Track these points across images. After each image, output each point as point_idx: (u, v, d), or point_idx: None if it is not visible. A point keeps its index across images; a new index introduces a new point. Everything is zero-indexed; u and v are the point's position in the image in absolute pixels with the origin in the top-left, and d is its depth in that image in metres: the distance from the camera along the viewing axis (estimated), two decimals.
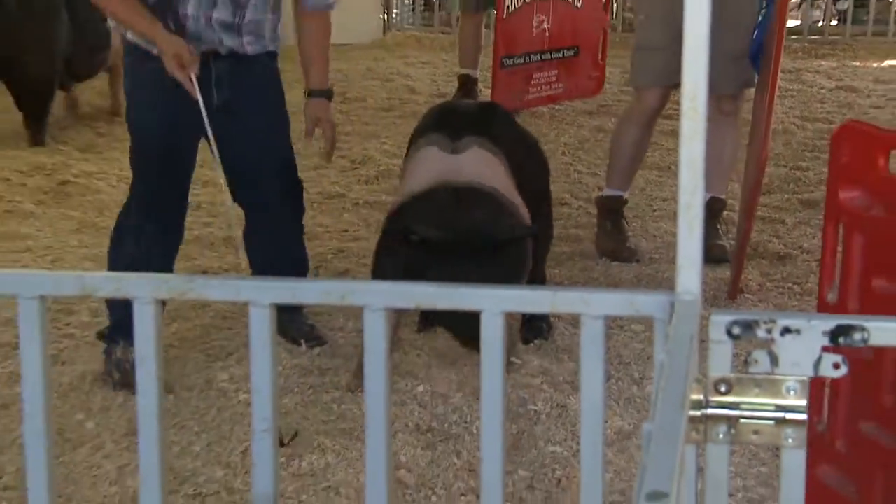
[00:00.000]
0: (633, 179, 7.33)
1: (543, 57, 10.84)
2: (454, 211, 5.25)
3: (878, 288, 3.28)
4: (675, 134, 4.97)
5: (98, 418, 4.83)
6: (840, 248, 3.46)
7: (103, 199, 7.48)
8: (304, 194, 7.89)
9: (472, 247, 4.96)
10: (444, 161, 5.28)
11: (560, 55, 11.00)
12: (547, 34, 10.84)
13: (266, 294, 2.30)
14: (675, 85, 6.16)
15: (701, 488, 2.14)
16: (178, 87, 5.16)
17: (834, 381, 2.22)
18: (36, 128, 10.32)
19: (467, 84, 10.83)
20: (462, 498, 4.27)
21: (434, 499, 4.34)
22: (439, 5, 14.81)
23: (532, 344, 5.69)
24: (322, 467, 4.50)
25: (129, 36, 5.46)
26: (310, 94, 5.67)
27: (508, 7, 10.52)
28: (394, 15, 14.21)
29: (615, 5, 13.98)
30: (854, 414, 3.19)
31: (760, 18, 6.16)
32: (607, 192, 7.07)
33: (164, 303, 2.35)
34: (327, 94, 5.71)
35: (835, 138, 3.48)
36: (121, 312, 4.80)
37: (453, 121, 5.61)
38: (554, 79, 10.99)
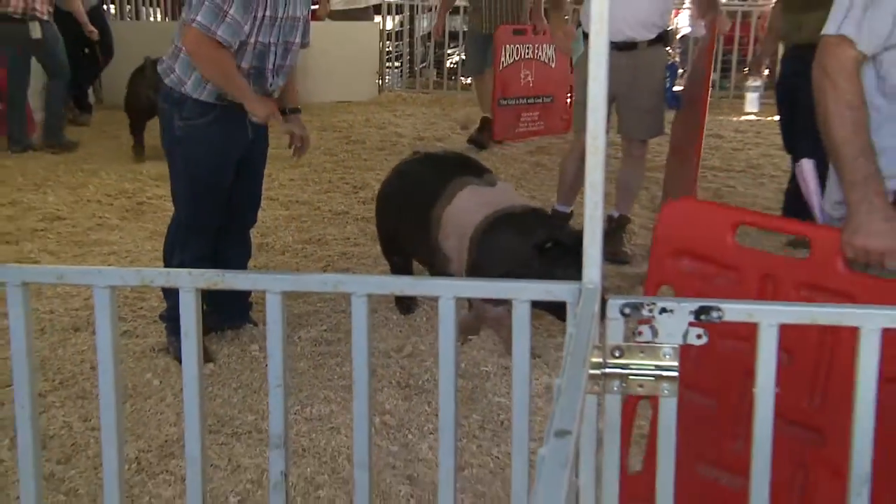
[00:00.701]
0: (577, 197, 7.28)
1: (528, 101, 11.40)
2: (543, 223, 5.09)
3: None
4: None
5: (162, 377, 4.80)
6: None
7: (169, 215, 7.44)
8: (317, 211, 7.95)
9: (576, 246, 4.92)
10: (490, 192, 5.12)
11: (540, 101, 11.58)
12: (531, 84, 11.40)
13: (277, 284, 2.29)
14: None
15: (601, 428, 2.14)
16: (230, 132, 4.90)
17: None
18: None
19: (487, 124, 11.05)
20: (430, 436, 4.26)
21: (409, 436, 4.32)
22: (420, 73, 14.78)
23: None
24: (327, 413, 4.48)
25: (201, 95, 4.78)
26: (291, 111, 5.27)
27: (503, 63, 10.94)
28: (386, 79, 14.20)
29: None
30: (691, 457, 3.06)
31: (668, 84, 6.16)
32: (557, 207, 7.02)
33: (203, 291, 2.31)
34: (300, 111, 5.40)
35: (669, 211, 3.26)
36: (174, 300, 4.70)
37: (469, 165, 5.43)
38: (536, 118, 11.57)
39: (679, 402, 2.11)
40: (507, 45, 10.92)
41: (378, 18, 14.23)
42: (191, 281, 2.30)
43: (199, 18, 4.43)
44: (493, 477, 4.01)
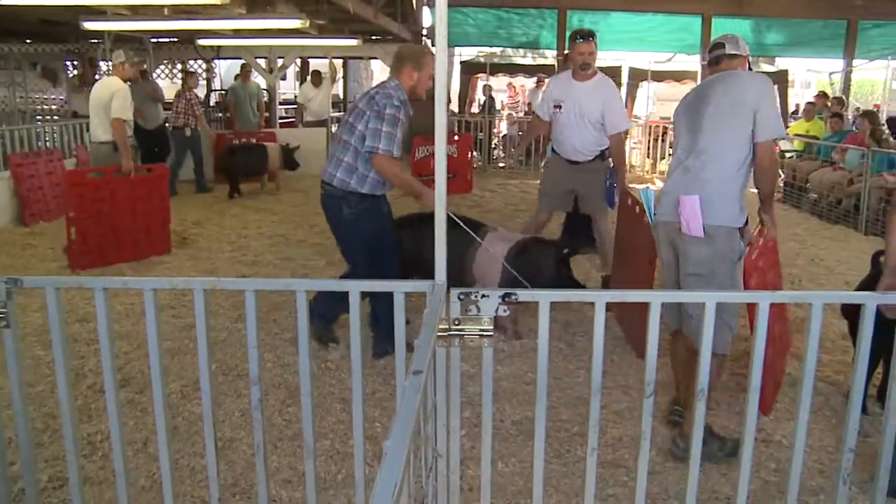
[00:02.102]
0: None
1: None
2: (545, 244, 5.18)
3: None
4: None
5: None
6: None
7: (204, 247, 7.30)
8: (287, 240, 7.78)
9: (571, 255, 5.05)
10: (503, 233, 5.13)
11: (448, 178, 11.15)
12: None
13: (303, 285, 2.23)
14: (553, 210, 6.37)
15: (448, 370, 2.12)
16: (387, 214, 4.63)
17: None
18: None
19: None
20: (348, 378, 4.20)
21: (342, 375, 4.27)
22: None
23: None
24: (294, 362, 4.37)
25: (366, 188, 4.39)
26: None
27: (416, 155, 10.74)
28: None
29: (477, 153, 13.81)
30: None
31: (608, 183, 5.99)
32: None
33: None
34: None
35: None
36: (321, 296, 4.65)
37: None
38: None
39: None
40: (420, 147, 10.68)
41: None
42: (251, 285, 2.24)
43: (382, 147, 4.22)
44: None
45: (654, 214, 3.75)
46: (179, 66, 15.46)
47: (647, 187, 3.74)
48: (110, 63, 12.34)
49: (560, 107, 5.90)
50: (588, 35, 5.73)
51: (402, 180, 4.49)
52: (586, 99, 5.75)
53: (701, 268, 3.42)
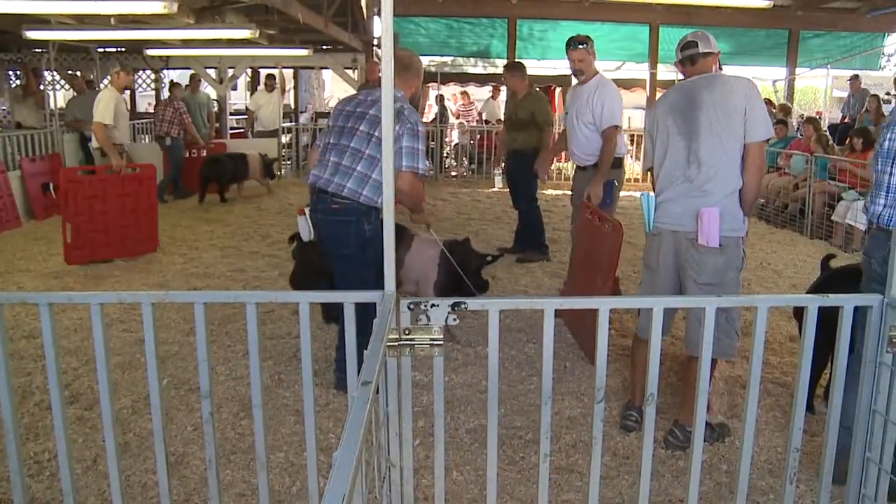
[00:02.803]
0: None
1: None
2: (468, 245, 5.29)
3: None
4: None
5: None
6: None
7: (155, 259, 7.16)
8: (239, 252, 7.71)
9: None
10: (426, 237, 5.06)
11: None
12: None
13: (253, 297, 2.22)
14: None
15: (399, 379, 2.12)
16: None
17: None
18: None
19: None
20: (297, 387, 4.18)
21: (297, 387, 4.23)
22: (303, 168, 14.48)
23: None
24: (246, 374, 4.33)
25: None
26: None
27: None
28: (282, 171, 13.92)
29: (429, 161, 13.85)
30: None
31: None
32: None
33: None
34: None
35: None
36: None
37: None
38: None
39: None
40: None
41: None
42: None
43: (421, 167, 3.96)
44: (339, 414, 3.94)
45: (654, 221, 3.74)
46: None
47: (646, 192, 3.76)
48: (54, 73, 12.23)
49: (567, 113, 5.99)
50: (578, 42, 5.70)
51: (420, 195, 4.22)
52: (583, 102, 5.74)
53: (715, 277, 3.51)
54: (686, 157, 3.56)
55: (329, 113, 5.00)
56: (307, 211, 4.24)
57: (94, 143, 7.78)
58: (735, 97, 3.48)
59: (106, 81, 14.41)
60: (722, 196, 3.49)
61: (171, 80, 13.88)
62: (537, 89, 8.17)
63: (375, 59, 11.19)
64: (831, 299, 2.46)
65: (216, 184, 10.90)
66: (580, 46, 5.70)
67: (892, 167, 3.16)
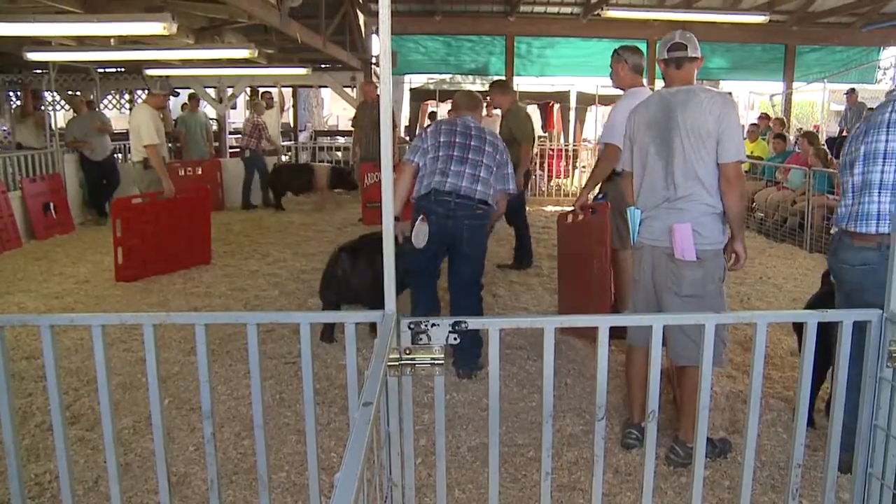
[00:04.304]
0: None
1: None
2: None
3: None
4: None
5: None
6: None
7: (155, 279, 7.16)
8: (240, 271, 7.70)
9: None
10: None
11: None
12: None
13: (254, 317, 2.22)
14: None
15: (400, 399, 2.12)
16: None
17: None
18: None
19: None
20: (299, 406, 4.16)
21: (298, 406, 4.22)
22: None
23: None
24: (248, 394, 4.32)
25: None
26: None
27: (366, 183, 10.86)
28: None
29: None
30: None
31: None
32: None
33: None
34: None
35: None
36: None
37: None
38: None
39: None
40: (368, 174, 10.73)
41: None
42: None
43: (512, 188, 4.97)
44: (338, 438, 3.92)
45: (637, 236, 3.78)
46: (127, 97, 15.30)
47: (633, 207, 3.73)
48: (54, 93, 12.29)
49: None
50: (613, 53, 5.30)
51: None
52: None
53: (695, 289, 3.53)
54: (664, 177, 3.61)
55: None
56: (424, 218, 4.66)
57: (134, 157, 7.91)
58: (709, 122, 3.49)
59: (106, 101, 14.54)
60: (698, 214, 3.53)
61: (253, 99, 14.28)
62: (519, 105, 8.22)
63: (371, 81, 11.26)
64: (830, 314, 2.46)
65: (284, 192, 12.13)
66: (615, 56, 5.29)
67: (851, 175, 3.44)
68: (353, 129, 11.51)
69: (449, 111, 5.52)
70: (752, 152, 12.31)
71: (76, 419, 4.12)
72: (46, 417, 4.03)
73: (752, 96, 19.61)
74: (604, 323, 2.31)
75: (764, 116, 14.10)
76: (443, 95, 16.40)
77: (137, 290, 6.99)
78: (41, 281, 7.35)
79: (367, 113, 10.79)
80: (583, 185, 5.64)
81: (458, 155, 4.68)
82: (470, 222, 4.66)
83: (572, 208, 5.38)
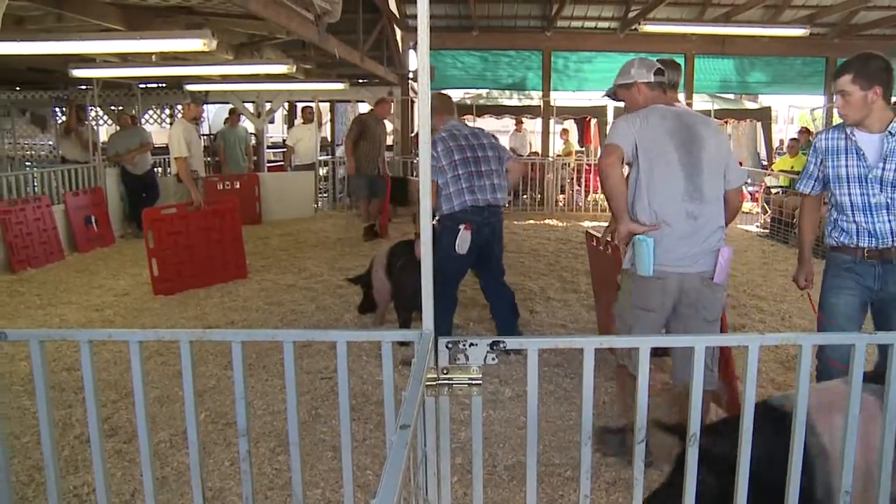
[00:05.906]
0: None
1: None
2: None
3: None
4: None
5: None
6: None
7: (192, 293, 7.22)
8: (276, 285, 7.74)
9: None
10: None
11: None
12: None
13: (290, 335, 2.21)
14: None
15: (437, 418, 2.10)
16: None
17: None
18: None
19: (371, 228, 10.55)
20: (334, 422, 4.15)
21: (334, 421, 4.20)
22: (338, 200, 14.54)
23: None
24: (283, 409, 4.31)
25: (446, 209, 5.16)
26: None
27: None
28: (319, 204, 14.04)
29: None
30: None
31: None
32: None
33: None
34: None
35: None
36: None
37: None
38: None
39: None
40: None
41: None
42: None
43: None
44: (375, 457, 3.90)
45: (655, 264, 3.46)
46: (168, 112, 15.53)
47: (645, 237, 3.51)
48: (98, 109, 12.53)
49: None
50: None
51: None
52: None
53: (718, 312, 3.58)
54: (685, 190, 3.45)
55: None
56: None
57: (172, 170, 8.31)
58: (722, 147, 3.59)
59: (148, 115, 14.79)
60: (722, 232, 3.56)
61: (358, 115, 14.24)
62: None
63: (384, 98, 11.11)
64: (880, 336, 2.39)
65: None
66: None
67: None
68: (351, 141, 10.64)
69: (435, 115, 5.59)
70: (791, 167, 12.11)
71: (114, 431, 4.15)
72: (85, 429, 4.06)
73: (792, 110, 19.40)
74: (645, 344, 2.27)
75: (804, 131, 13.89)
76: (479, 110, 16.40)
77: (175, 304, 7.05)
78: (82, 293, 7.46)
79: (378, 129, 10.54)
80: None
81: (475, 170, 5.23)
82: (499, 225, 5.46)
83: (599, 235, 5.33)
